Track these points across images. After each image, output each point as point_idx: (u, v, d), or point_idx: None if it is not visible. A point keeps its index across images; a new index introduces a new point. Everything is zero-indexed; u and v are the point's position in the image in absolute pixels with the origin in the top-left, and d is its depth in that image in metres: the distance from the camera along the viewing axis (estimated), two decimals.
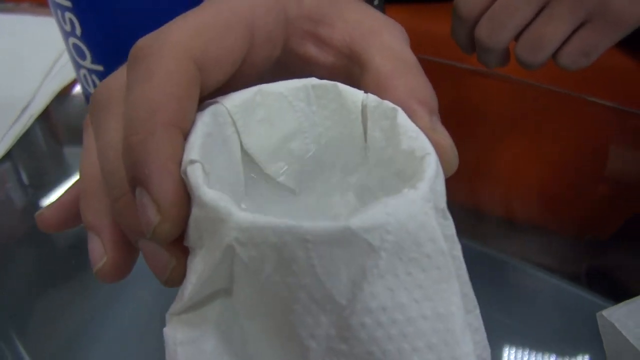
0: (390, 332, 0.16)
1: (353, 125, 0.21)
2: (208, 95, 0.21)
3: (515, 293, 0.37)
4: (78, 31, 0.35)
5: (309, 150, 0.22)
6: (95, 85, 0.37)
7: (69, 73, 0.56)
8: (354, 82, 0.23)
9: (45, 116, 0.53)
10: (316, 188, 0.22)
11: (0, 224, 0.44)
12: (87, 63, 0.36)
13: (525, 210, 0.43)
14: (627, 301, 0.28)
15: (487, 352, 0.20)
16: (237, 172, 0.21)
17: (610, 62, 0.48)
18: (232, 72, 0.21)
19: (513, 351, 0.32)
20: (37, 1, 0.69)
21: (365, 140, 0.21)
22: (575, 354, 0.32)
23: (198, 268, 0.18)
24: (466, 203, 0.43)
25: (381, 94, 0.21)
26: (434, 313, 0.17)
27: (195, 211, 0.18)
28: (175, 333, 0.18)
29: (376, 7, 0.42)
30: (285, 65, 0.24)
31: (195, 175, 0.18)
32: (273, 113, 0.21)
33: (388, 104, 0.21)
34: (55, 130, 0.55)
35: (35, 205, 0.46)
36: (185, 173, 0.18)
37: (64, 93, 0.55)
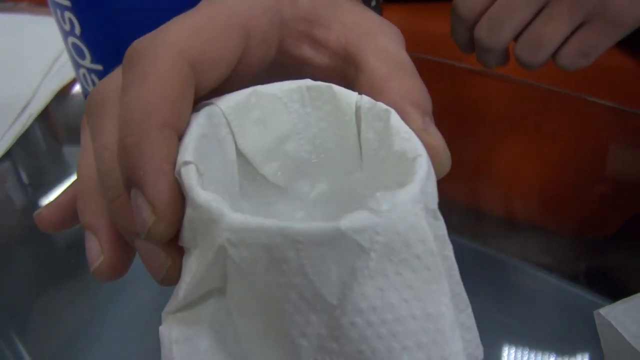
0: (379, 331, 0.17)
1: (347, 127, 0.21)
2: (203, 96, 0.21)
3: (515, 293, 0.36)
4: (77, 30, 0.35)
5: (304, 151, 0.22)
6: (94, 85, 0.37)
7: (69, 72, 0.56)
8: (349, 83, 0.23)
9: (44, 116, 0.53)
10: (310, 189, 0.22)
11: (0, 224, 0.44)
12: (87, 62, 0.36)
13: (525, 210, 0.43)
14: (624, 299, 0.28)
15: (479, 351, 0.20)
16: (232, 172, 0.21)
17: (610, 62, 0.48)
18: (227, 74, 0.21)
19: (512, 350, 0.32)
20: (36, 0, 0.69)
21: (359, 141, 0.21)
22: (574, 353, 0.32)
23: (192, 268, 0.18)
24: (466, 203, 0.43)
25: (376, 95, 0.21)
26: (424, 313, 0.17)
27: (189, 212, 0.18)
28: (170, 331, 0.18)
29: (373, 8, 0.42)
30: (281, 66, 0.24)
31: (189, 177, 0.18)
32: (268, 114, 0.21)
33: (381, 105, 0.21)
34: (54, 129, 0.55)
35: (35, 205, 0.46)
36: (179, 174, 0.18)
37: (64, 92, 0.55)
